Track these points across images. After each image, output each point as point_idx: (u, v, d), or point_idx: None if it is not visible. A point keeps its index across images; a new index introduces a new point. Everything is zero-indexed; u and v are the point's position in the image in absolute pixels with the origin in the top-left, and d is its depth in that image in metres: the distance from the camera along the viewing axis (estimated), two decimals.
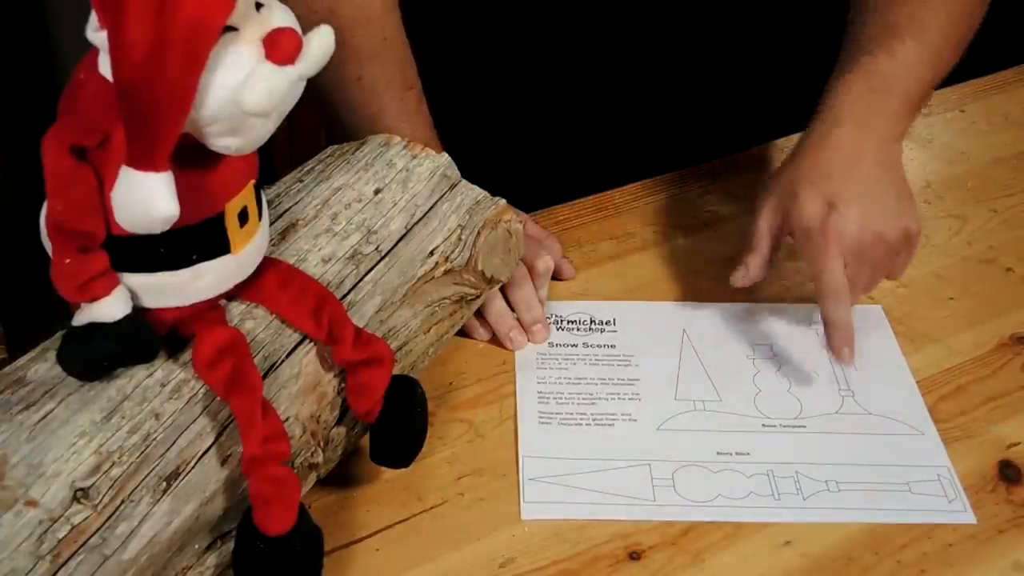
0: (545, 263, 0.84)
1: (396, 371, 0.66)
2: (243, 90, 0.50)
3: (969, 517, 0.71)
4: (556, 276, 0.88)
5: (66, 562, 0.51)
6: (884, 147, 0.81)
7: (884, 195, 0.79)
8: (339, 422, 0.66)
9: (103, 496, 0.53)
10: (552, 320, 0.85)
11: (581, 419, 0.77)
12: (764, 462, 0.75)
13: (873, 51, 0.82)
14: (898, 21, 0.83)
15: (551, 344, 0.83)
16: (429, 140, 0.83)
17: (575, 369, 0.81)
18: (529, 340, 0.83)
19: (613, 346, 0.83)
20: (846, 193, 0.77)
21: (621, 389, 0.80)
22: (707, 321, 0.85)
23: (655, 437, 0.76)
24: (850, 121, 0.80)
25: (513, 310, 0.83)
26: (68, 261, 0.54)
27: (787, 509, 0.71)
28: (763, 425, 0.77)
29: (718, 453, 0.75)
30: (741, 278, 0.81)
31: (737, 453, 0.75)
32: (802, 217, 0.78)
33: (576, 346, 0.83)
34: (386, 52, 0.82)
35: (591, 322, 0.85)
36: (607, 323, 0.85)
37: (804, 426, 0.78)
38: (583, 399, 0.79)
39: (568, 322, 0.85)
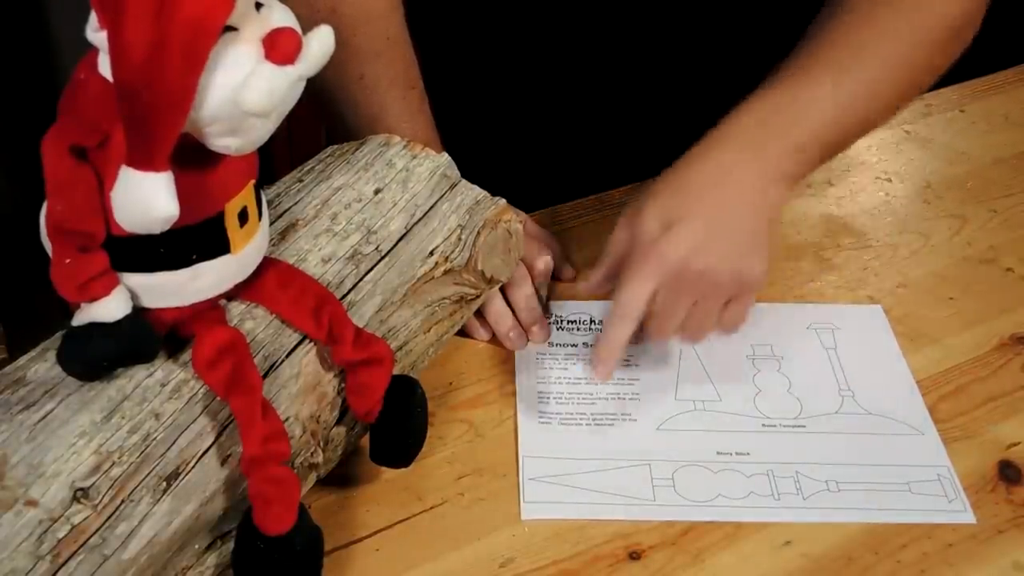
0: (545, 263, 0.84)
1: (396, 371, 0.66)
2: (243, 90, 0.50)
3: (969, 517, 0.71)
4: (556, 276, 0.88)
5: (66, 562, 0.51)
6: (758, 182, 0.73)
7: (733, 230, 0.72)
8: (339, 422, 0.66)
9: (103, 496, 0.53)
10: (552, 320, 0.85)
11: (581, 419, 0.77)
12: (764, 462, 0.75)
13: (783, 83, 0.76)
14: (821, 56, 0.77)
15: (551, 344, 0.83)
16: (430, 140, 0.83)
17: (575, 369, 0.81)
18: (529, 340, 0.82)
19: None
20: (688, 217, 0.71)
21: (621, 389, 0.80)
22: None
23: (655, 437, 0.76)
24: (728, 146, 0.74)
25: (513, 310, 0.83)
26: (68, 261, 0.54)
27: (787, 509, 0.71)
28: (763, 425, 0.77)
29: (718, 453, 0.75)
30: (583, 287, 0.78)
31: (737, 453, 0.75)
32: (638, 230, 0.72)
33: (576, 346, 0.83)
34: (389, 51, 0.82)
35: (591, 322, 0.85)
36: None
37: (804, 426, 0.78)
38: (583, 399, 0.79)
39: (568, 322, 0.85)
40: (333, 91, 0.82)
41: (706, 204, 0.72)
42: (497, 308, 0.82)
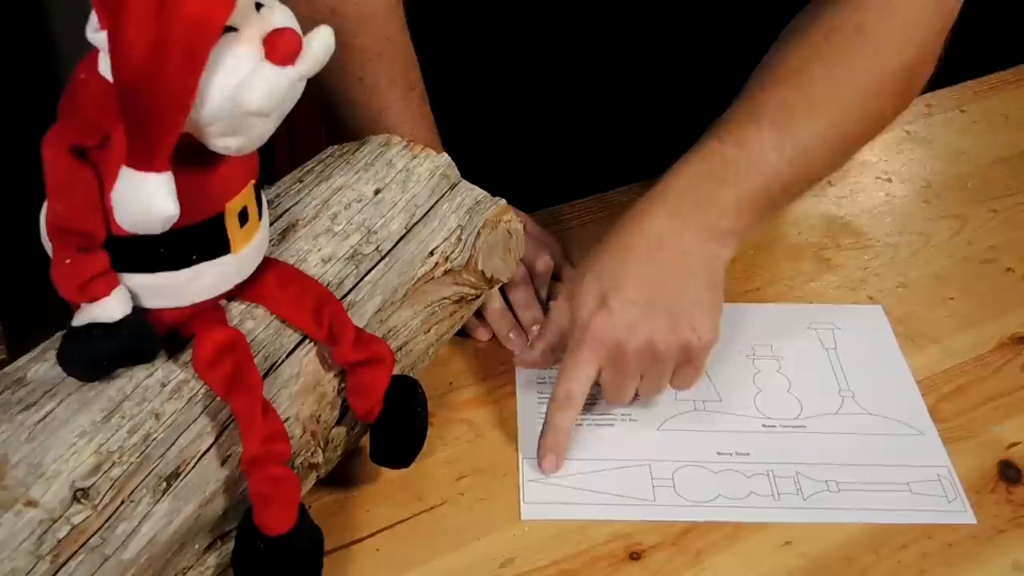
0: (545, 263, 0.84)
1: (396, 371, 0.66)
2: (243, 90, 0.50)
3: (969, 517, 0.71)
4: (556, 277, 0.88)
5: (66, 562, 0.51)
6: (699, 244, 0.71)
7: (671, 299, 0.71)
8: (339, 422, 0.66)
9: (103, 496, 0.53)
10: None
11: (581, 419, 0.77)
12: (764, 462, 0.75)
13: (723, 135, 0.74)
14: (765, 103, 0.74)
15: None
16: (430, 140, 0.83)
17: None
18: (529, 341, 0.82)
19: None
20: (624, 290, 0.70)
21: None
22: None
23: (655, 437, 0.76)
24: (667, 207, 0.72)
25: (513, 310, 0.83)
26: (68, 261, 0.54)
27: (787, 509, 0.71)
28: (763, 425, 0.77)
29: (718, 453, 0.75)
30: (520, 360, 0.78)
31: (737, 453, 0.75)
32: (576, 308, 0.72)
33: None
34: (389, 52, 0.82)
35: None
36: None
37: (804, 426, 0.78)
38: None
39: None
40: (333, 92, 0.82)
41: (641, 275, 0.71)
42: (497, 308, 0.82)
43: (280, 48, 0.51)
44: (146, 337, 0.57)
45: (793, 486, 0.73)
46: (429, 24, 0.89)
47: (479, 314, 0.82)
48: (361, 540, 0.68)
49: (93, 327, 0.55)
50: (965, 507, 0.72)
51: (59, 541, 0.51)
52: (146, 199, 0.50)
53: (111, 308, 0.55)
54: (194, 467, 0.57)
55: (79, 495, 0.52)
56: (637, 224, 0.73)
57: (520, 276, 0.82)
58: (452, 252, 0.72)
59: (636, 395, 0.74)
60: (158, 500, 0.55)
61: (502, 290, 0.82)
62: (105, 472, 0.53)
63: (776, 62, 0.77)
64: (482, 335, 0.83)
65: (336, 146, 0.75)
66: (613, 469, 0.74)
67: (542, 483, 0.72)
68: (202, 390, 0.58)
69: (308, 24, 0.53)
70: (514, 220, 0.76)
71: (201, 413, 0.57)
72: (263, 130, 0.53)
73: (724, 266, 0.73)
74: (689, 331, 0.71)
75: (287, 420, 0.61)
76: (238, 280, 0.60)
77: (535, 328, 0.82)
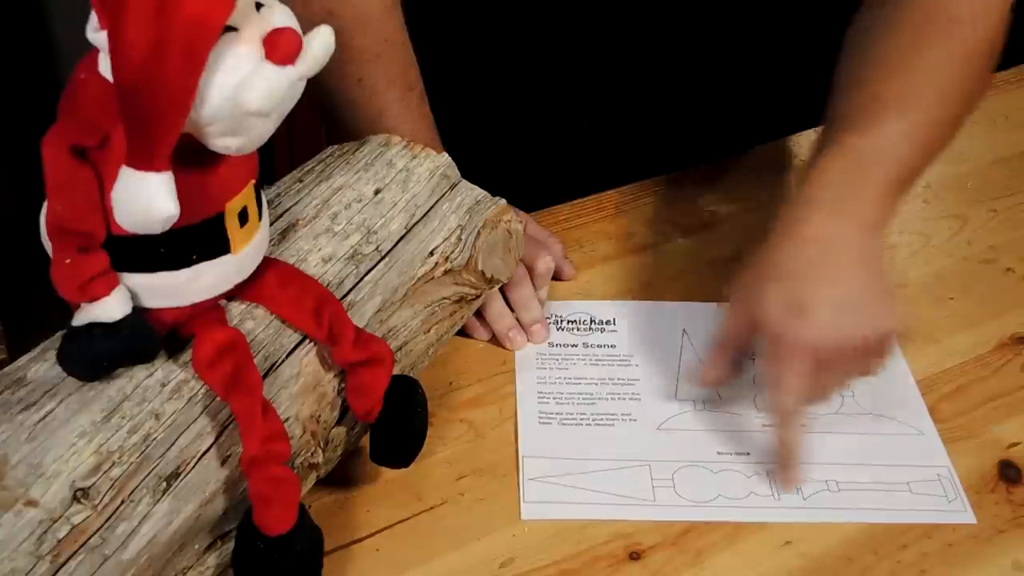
0: (545, 263, 0.84)
1: (396, 371, 0.66)
2: (243, 90, 0.50)
3: (969, 517, 0.71)
4: (557, 276, 0.88)
5: (66, 562, 0.51)
6: (862, 237, 0.73)
7: (858, 296, 0.72)
8: (339, 422, 0.66)
9: (103, 496, 0.53)
10: (552, 320, 0.85)
11: (581, 419, 0.77)
12: (764, 462, 0.75)
13: (853, 128, 0.75)
14: (884, 95, 0.76)
15: (551, 344, 0.83)
16: (430, 140, 0.83)
17: (575, 369, 0.81)
18: (529, 340, 0.83)
19: (613, 346, 0.83)
20: (815, 297, 0.70)
21: (621, 389, 0.80)
22: (706, 321, 0.85)
23: (655, 437, 0.76)
24: (824, 207, 0.73)
25: (512, 310, 0.83)
26: (68, 261, 0.54)
27: (787, 509, 0.71)
28: (763, 425, 0.77)
29: (718, 453, 0.75)
30: (699, 381, 0.77)
31: (737, 453, 0.75)
32: (765, 320, 0.71)
33: (576, 346, 0.83)
34: (387, 53, 0.82)
35: (591, 322, 0.85)
36: (607, 323, 0.85)
37: (804, 426, 0.77)
38: (583, 399, 0.79)
39: (568, 322, 0.85)
40: (332, 93, 0.82)
41: (824, 278, 0.71)
42: (497, 308, 0.82)
43: (280, 48, 0.51)
44: (146, 337, 0.57)
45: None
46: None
47: (479, 314, 0.82)
48: (361, 540, 0.68)
49: (93, 327, 0.55)
50: (965, 507, 0.72)
51: (59, 541, 0.51)
52: (146, 199, 0.50)
53: (111, 308, 0.55)
54: (194, 467, 0.57)
55: (79, 495, 0.52)
56: (800, 229, 0.73)
57: (519, 276, 0.82)
58: (452, 252, 0.72)
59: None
60: (158, 500, 0.55)
61: (502, 290, 0.82)
62: (105, 472, 0.53)
63: (877, 54, 0.79)
64: (482, 335, 0.83)
65: (336, 146, 0.75)
66: (613, 469, 0.74)
67: (542, 482, 0.72)
68: (202, 390, 0.58)
69: (305, 26, 0.53)
70: (514, 220, 0.76)
71: (201, 413, 0.57)
72: (263, 130, 0.53)
73: (883, 257, 0.74)
74: (882, 321, 0.72)
75: (287, 420, 0.61)
76: (238, 280, 0.60)
77: (535, 328, 0.82)
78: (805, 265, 0.72)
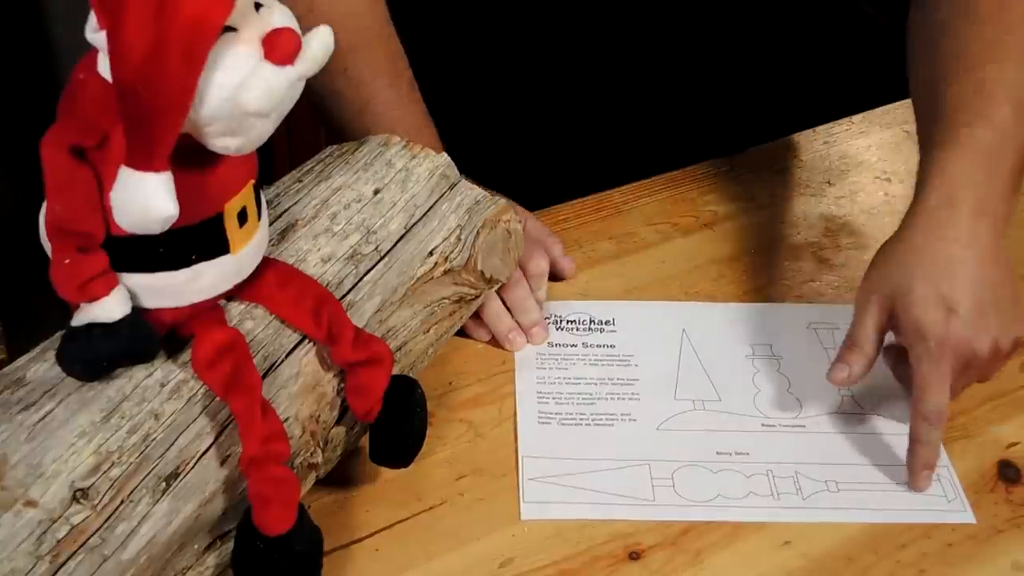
0: (537, 266, 0.83)
1: (396, 371, 0.66)
2: (242, 90, 0.50)
3: (969, 517, 0.71)
4: (557, 275, 0.88)
5: (65, 562, 0.51)
6: (997, 237, 0.73)
7: (1003, 300, 0.73)
8: (339, 422, 0.66)
9: (102, 496, 0.53)
10: (552, 320, 0.85)
11: (581, 419, 0.77)
12: (764, 462, 0.75)
13: (970, 121, 0.75)
14: (988, 79, 0.76)
15: (550, 344, 0.83)
16: (422, 126, 0.82)
17: (574, 369, 0.81)
18: (528, 342, 0.82)
19: (612, 346, 0.83)
20: (967, 298, 0.71)
21: (620, 389, 0.80)
22: (706, 321, 0.85)
23: (655, 437, 0.76)
24: (964, 205, 0.73)
25: (510, 311, 0.82)
26: (68, 261, 0.54)
27: (787, 509, 0.71)
28: (763, 425, 0.77)
29: (718, 453, 0.75)
30: (843, 379, 0.74)
31: (737, 453, 0.75)
32: (918, 320, 0.71)
33: (575, 346, 0.83)
34: (372, 43, 0.82)
35: (590, 322, 0.85)
36: (606, 323, 0.85)
37: (803, 426, 0.78)
38: (583, 399, 0.79)
39: (567, 322, 0.85)
40: (320, 86, 0.81)
41: (977, 286, 0.72)
42: (495, 310, 0.82)
43: (279, 48, 0.51)
44: (145, 337, 0.57)
45: (793, 486, 0.73)
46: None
47: (478, 315, 0.82)
48: (361, 540, 0.68)
49: (92, 327, 0.55)
50: (965, 506, 0.72)
51: (58, 541, 0.51)
52: (145, 199, 0.50)
53: (110, 308, 0.55)
54: (193, 467, 0.57)
55: (78, 495, 0.52)
56: (944, 230, 0.73)
57: (516, 278, 0.81)
58: (451, 252, 0.72)
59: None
60: (157, 500, 0.55)
61: (499, 292, 0.81)
62: (104, 472, 0.53)
63: (961, 45, 0.79)
64: (482, 336, 0.83)
65: (335, 146, 0.75)
66: (613, 469, 0.74)
67: (541, 482, 0.72)
68: (201, 390, 0.58)
69: None
70: (513, 220, 0.76)
71: (200, 413, 0.57)
72: (262, 130, 0.53)
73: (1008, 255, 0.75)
74: (1018, 328, 0.73)
75: (286, 420, 0.61)
76: (237, 280, 0.60)
77: (534, 329, 0.82)
78: (953, 265, 0.72)
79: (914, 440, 0.73)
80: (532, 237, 0.85)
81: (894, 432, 0.77)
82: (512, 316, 0.82)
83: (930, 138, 0.77)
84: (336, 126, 0.82)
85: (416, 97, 0.84)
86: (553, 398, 0.78)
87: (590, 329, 0.85)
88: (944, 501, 0.72)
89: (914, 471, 0.73)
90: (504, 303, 0.82)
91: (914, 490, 0.73)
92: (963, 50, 0.79)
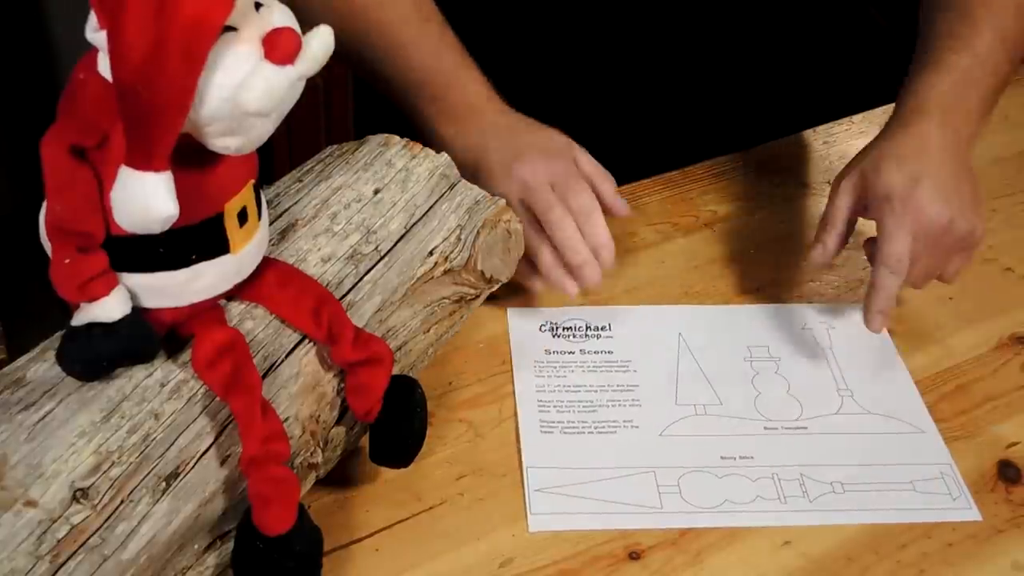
0: (580, 202, 0.79)
1: (396, 371, 0.66)
2: (242, 90, 0.50)
3: (974, 514, 0.71)
4: (607, 212, 0.82)
5: (65, 562, 0.51)
6: (962, 147, 0.80)
7: (964, 189, 0.79)
8: (339, 422, 0.66)
9: (102, 496, 0.53)
10: (547, 327, 0.84)
11: (583, 427, 0.77)
12: (769, 465, 0.74)
13: (954, 46, 0.82)
14: (975, 11, 0.83)
15: (548, 351, 0.82)
16: (460, 65, 0.83)
17: (573, 376, 0.81)
18: (577, 282, 0.79)
19: (610, 352, 0.83)
20: (930, 174, 0.77)
21: (621, 395, 0.79)
22: (703, 323, 0.85)
23: (658, 443, 0.76)
24: (935, 118, 0.80)
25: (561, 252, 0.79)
26: (68, 261, 0.54)
27: (794, 512, 0.71)
28: (765, 428, 0.77)
29: (722, 457, 0.75)
30: (819, 255, 0.80)
31: (741, 457, 0.75)
32: (886, 185, 0.78)
33: (573, 353, 0.83)
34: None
35: (586, 328, 0.85)
36: (602, 328, 0.85)
37: (806, 427, 0.77)
38: (584, 406, 0.78)
39: (563, 328, 0.84)
40: (350, 48, 0.81)
41: (941, 167, 0.78)
42: (547, 258, 0.79)
43: (279, 48, 0.51)
44: (145, 337, 0.57)
45: (799, 488, 0.73)
46: None
47: (529, 261, 0.79)
48: (361, 540, 0.68)
49: (92, 327, 0.55)
50: (970, 504, 0.72)
51: (58, 541, 0.51)
52: (145, 199, 0.50)
53: (110, 308, 0.55)
54: (193, 467, 0.57)
55: (78, 495, 0.52)
56: (912, 128, 0.80)
57: (558, 216, 0.78)
58: (452, 252, 0.72)
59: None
60: (157, 500, 0.55)
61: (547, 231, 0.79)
62: (104, 472, 0.53)
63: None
64: (537, 285, 0.82)
65: (335, 146, 0.75)
66: (618, 477, 0.73)
67: (548, 493, 0.72)
68: (201, 390, 0.58)
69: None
70: (513, 220, 0.76)
71: (200, 413, 0.57)
72: (262, 130, 0.53)
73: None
74: (977, 218, 0.79)
75: (286, 420, 0.61)
76: (237, 280, 0.60)
77: (586, 269, 0.78)
78: (922, 150, 0.79)
79: (873, 285, 0.77)
80: (582, 173, 0.82)
81: (895, 431, 0.77)
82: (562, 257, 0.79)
83: (916, 62, 0.84)
84: (375, 80, 0.82)
85: (448, 38, 0.84)
86: (554, 406, 0.78)
87: (587, 335, 0.84)
88: (949, 499, 0.72)
89: (870, 312, 0.77)
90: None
91: (869, 329, 0.77)
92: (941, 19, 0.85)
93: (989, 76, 0.82)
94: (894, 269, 0.76)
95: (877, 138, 0.82)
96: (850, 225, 0.81)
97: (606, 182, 0.84)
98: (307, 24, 0.53)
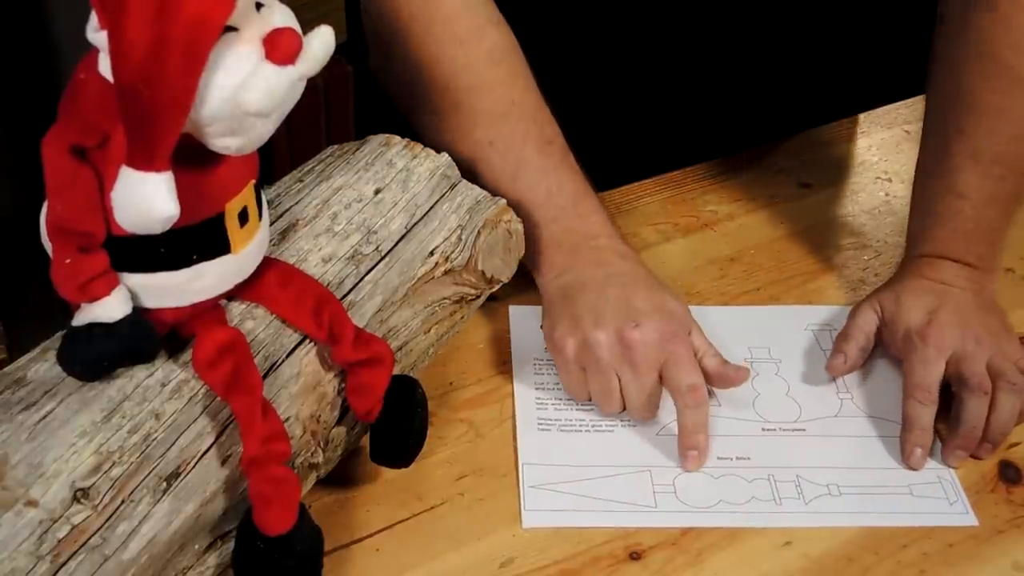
0: (695, 398, 0.73)
1: (396, 371, 0.66)
2: (243, 90, 0.50)
3: (971, 519, 0.71)
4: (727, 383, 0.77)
5: (66, 562, 0.51)
6: (984, 283, 0.81)
7: (989, 320, 0.79)
8: (339, 422, 0.66)
9: (103, 496, 0.53)
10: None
11: (580, 425, 0.77)
12: (765, 466, 0.74)
13: (962, 191, 0.81)
14: (975, 139, 0.81)
15: (548, 349, 0.82)
16: (581, 192, 0.80)
17: None
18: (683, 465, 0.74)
19: None
20: (948, 308, 0.78)
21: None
22: (703, 324, 0.84)
23: (655, 442, 0.76)
24: (947, 264, 0.81)
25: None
26: (68, 261, 0.54)
27: (789, 514, 0.71)
28: (763, 429, 0.77)
29: (718, 458, 0.75)
30: (840, 366, 0.80)
31: (738, 458, 0.75)
32: (905, 320, 0.79)
33: None
34: (515, 113, 0.79)
35: None
36: None
37: (804, 429, 0.77)
38: (581, 405, 0.78)
39: None
40: (468, 162, 0.78)
41: (958, 303, 0.79)
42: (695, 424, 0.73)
43: (280, 48, 0.51)
44: (146, 337, 0.57)
45: (795, 490, 0.73)
46: None
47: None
48: (361, 540, 0.68)
49: (93, 327, 0.55)
50: (967, 509, 0.72)
51: (59, 541, 0.51)
52: (146, 199, 0.50)
53: (111, 308, 0.55)
54: (194, 467, 0.57)
55: (79, 495, 0.52)
56: (932, 276, 0.81)
57: (697, 400, 0.73)
58: (452, 252, 0.72)
59: None
60: (158, 500, 0.55)
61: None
62: (105, 472, 0.53)
63: (952, 95, 0.83)
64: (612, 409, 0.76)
65: (336, 146, 0.75)
66: (614, 476, 0.73)
67: (543, 490, 0.72)
68: (202, 390, 0.58)
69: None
70: (514, 220, 0.76)
71: (201, 413, 0.57)
72: (263, 130, 0.53)
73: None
74: (1011, 347, 0.78)
75: (287, 420, 0.61)
76: (238, 280, 0.60)
77: (692, 453, 0.73)
78: (940, 291, 0.80)
79: (905, 420, 0.76)
80: (693, 348, 0.76)
81: (894, 435, 0.77)
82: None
83: (922, 192, 0.85)
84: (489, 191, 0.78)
85: (571, 163, 0.81)
86: (552, 404, 0.78)
87: None
88: (946, 504, 0.72)
89: (906, 451, 0.75)
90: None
91: (909, 468, 0.75)
92: (952, 104, 0.82)
93: (995, 212, 0.81)
94: (921, 399, 0.75)
95: (892, 280, 0.84)
96: (867, 343, 0.81)
97: (712, 357, 0.77)
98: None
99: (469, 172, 0.78)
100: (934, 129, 0.84)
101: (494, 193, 0.76)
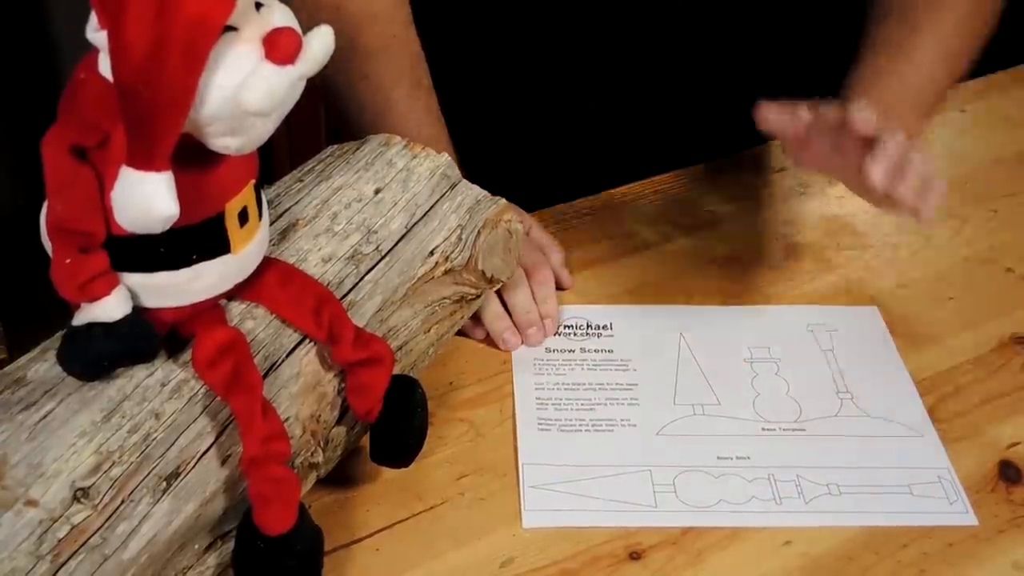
0: (544, 275, 0.84)
1: (396, 371, 0.66)
2: (243, 90, 0.50)
3: (971, 519, 0.71)
4: (556, 285, 0.87)
5: (66, 562, 0.51)
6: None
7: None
8: (339, 422, 0.66)
9: (103, 496, 0.53)
10: None
11: (580, 425, 0.77)
12: (765, 466, 0.74)
13: (893, 53, 0.82)
14: (917, 21, 0.83)
15: (548, 349, 0.82)
16: (435, 136, 0.82)
17: (573, 374, 0.81)
18: (523, 342, 0.82)
19: (611, 351, 0.83)
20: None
21: (619, 394, 0.79)
22: (703, 324, 0.85)
23: (655, 442, 0.76)
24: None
25: (510, 313, 0.82)
26: (68, 261, 0.54)
27: (789, 513, 0.71)
28: (763, 429, 0.77)
29: (719, 458, 0.75)
30: (861, 118, 0.77)
31: (738, 457, 0.75)
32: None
33: (573, 351, 0.83)
34: (394, 48, 0.82)
35: (587, 327, 0.85)
36: (603, 327, 0.85)
37: (804, 429, 0.77)
38: (582, 405, 0.78)
39: (564, 327, 0.84)
40: (339, 89, 0.81)
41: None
42: (493, 310, 0.82)
43: (280, 48, 0.51)
44: (146, 337, 0.57)
45: (794, 490, 0.73)
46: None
47: (475, 316, 0.81)
48: (361, 540, 0.68)
49: (93, 327, 0.55)
50: (967, 508, 0.72)
51: (59, 541, 0.51)
52: (146, 199, 0.50)
53: (111, 308, 0.55)
54: (194, 467, 0.57)
55: (79, 495, 0.52)
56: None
57: (517, 279, 0.82)
58: (452, 252, 0.72)
59: None
60: (158, 500, 0.55)
61: (498, 293, 0.81)
62: (105, 472, 0.53)
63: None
64: (477, 335, 0.83)
65: (336, 146, 0.75)
66: (614, 475, 0.73)
67: (543, 490, 0.72)
68: (202, 390, 0.58)
69: (311, 24, 0.53)
70: (514, 220, 0.76)
71: (201, 413, 0.57)
72: (263, 130, 0.53)
73: None
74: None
75: (287, 420, 0.61)
76: (238, 280, 0.60)
77: (530, 331, 0.82)
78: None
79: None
80: (536, 244, 0.85)
81: (894, 434, 0.77)
82: (510, 316, 0.82)
83: (856, 65, 0.83)
84: (352, 128, 0.82)
85: (433, 107, 0.84)
86: (552, 404, 0.78)
87: (587, 334, 0.84)
88: (946, 503, 0.72)
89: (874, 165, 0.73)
90: (503, 303, 0.82)
91: (873, 180, 0.73)
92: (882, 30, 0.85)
93: (926, 83, 0.82)
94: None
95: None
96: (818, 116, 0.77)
97: (557, 253, 0.88)
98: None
99: (337, 103, 0.81)
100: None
101: (357, 127, 0.80)
